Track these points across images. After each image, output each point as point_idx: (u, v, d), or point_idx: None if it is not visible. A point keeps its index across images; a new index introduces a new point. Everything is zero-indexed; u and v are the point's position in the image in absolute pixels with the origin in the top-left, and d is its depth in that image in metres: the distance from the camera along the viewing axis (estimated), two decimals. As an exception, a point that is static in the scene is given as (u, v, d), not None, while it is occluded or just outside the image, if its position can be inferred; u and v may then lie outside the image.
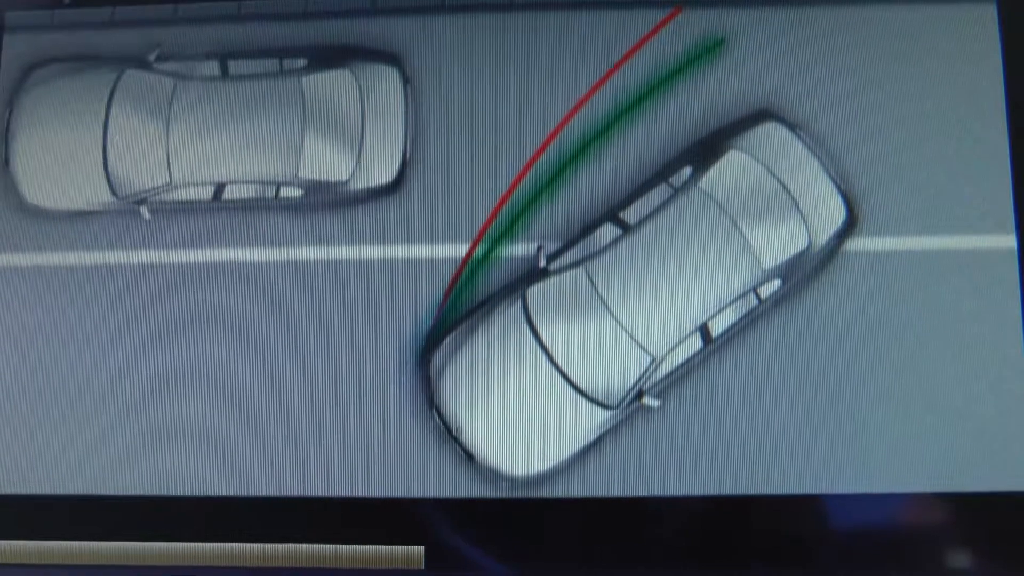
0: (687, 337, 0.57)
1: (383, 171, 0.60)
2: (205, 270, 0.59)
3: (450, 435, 0.56)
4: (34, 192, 0.61)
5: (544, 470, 0.56)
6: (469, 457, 0.56)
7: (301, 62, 0.62)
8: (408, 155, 0.60)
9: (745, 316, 0.57)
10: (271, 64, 0.62)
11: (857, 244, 0.58)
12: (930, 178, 0.58)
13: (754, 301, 0.57)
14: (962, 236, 0.57)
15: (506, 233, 0.58)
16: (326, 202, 0.60)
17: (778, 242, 0.58)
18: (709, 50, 0.60)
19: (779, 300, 0.57)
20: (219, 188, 0.60)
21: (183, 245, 0.59)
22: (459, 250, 0.58)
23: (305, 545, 0.55)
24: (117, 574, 0.56)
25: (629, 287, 0.57)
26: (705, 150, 0.59)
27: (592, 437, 0.56)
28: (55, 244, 0.60)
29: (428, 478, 0.56)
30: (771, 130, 0.59)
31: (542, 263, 0.58)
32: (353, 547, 0.55)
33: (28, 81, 0.62)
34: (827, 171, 0.58)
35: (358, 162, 0.60)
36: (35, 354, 0.58)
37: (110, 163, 0.61)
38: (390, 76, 0.61)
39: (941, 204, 0.58)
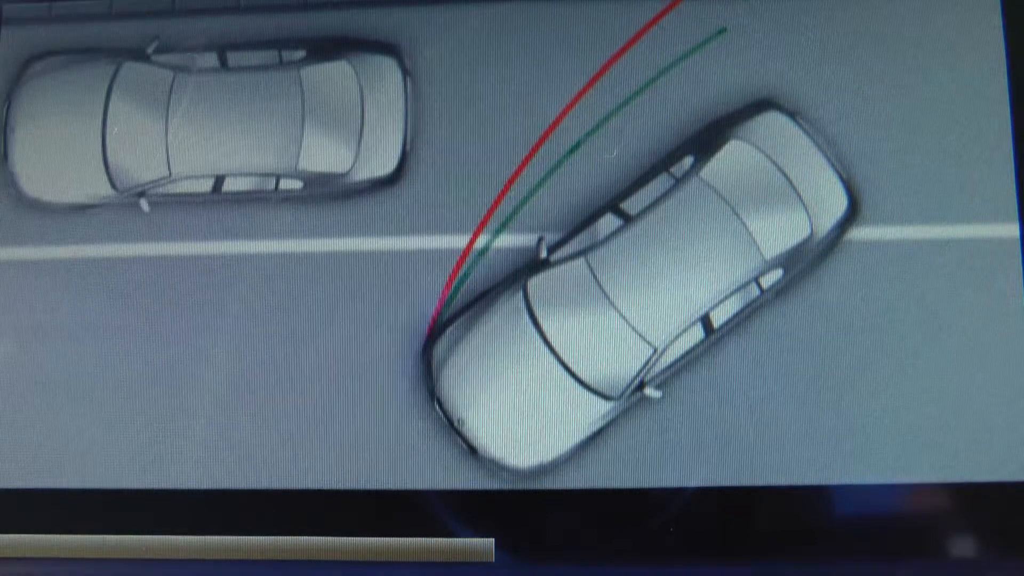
0: (689, 327, 0.57)
1: (383, 162, 0.60)
2: (205, 263, 0.59)
3: (451, 427, 0.56)
4: (33, 185, 0.61)
5: (545, 461, 0.56)
6: (471, 449, 0.56)
7: (300, 53, 0.62)
8: (408, 146, 0.60)
9: (747, 306, 0.57)
10: (270, 56, 0.62)
11: (859, 233, 0.57)
12: (932, 166, 0.58)
13: (756, 291, 0.57)
14: (965, 225, 0.57)
15: (507, 224, 0.58)
16: (326, 194, 0.60)
17: (780, 231, 0.57)
18: (710, 39, 0.60)
19: (781, 290, 0.57)
20: (219, 180, 0.60)
21: (183, 238, 0.59)
22: (460, 241, 0.58)
23: (368, 538, 0.55)
24: (139, 568, 0.56)
25: (630, 278, 0.57)
26: (706, 139, 0.59)
27: (593, 428, 0.56)
28: (54, 237, 0.60)
29: (429, 470, 0.56)
30: (772, 119, 0.59)
31: (543, 254, 0.58)
32: (422, 540, 0.55)
33: (26, 74, 0.62)
34: (829, 160, 0.58)
35: (358, 154, 0.60)
36: (35, 347, 0.58)
37: (109, 156, 0.61)
38: (390, 67, 0.61)
39: (943, 192, 0.57)
